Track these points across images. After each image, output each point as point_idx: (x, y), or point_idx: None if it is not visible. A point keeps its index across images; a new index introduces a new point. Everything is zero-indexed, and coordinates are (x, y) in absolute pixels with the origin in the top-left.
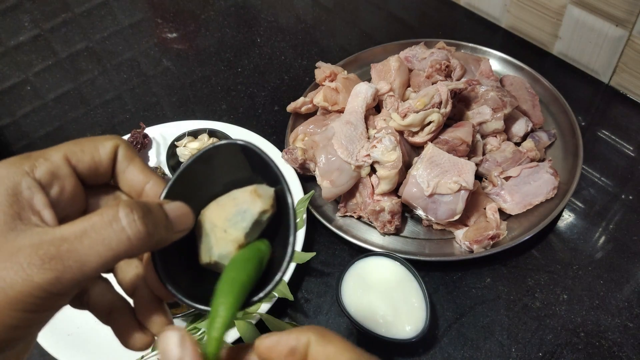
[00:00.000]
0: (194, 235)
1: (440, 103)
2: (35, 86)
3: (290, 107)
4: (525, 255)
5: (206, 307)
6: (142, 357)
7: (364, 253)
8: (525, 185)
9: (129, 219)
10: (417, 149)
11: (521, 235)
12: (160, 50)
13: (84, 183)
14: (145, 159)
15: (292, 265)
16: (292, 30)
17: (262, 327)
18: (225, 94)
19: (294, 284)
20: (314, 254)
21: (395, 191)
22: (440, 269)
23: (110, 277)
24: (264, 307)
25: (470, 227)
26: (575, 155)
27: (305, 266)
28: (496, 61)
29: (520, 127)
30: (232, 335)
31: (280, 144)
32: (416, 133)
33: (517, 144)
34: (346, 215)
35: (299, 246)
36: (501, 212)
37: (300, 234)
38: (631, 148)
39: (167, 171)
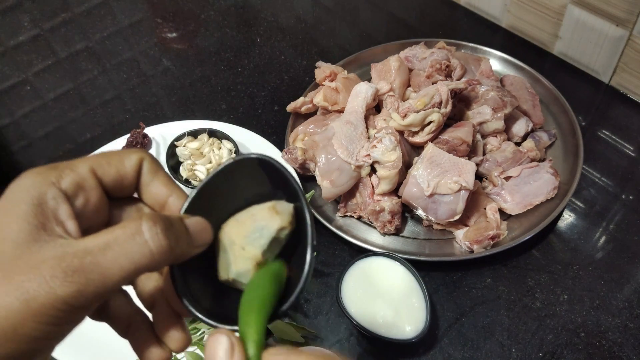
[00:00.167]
0: (213, 251)
1: (441, 103)
2: (35, 86)
3: (290, 107)
4: (526, 256)
5: (223, 324)
6: None
7: (364, 253)
8: (526, 185)
9: (151, 233)
10: (417, 149)
11: (521, 236)
12: (160, 50)
13: (108, 195)
14: None
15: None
16: (292, 30)
17: None
18: (225, 94)
19: None
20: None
21: (395, 191)
22: (441, 269)
23: (129, 290)
24: None
25: (471, 227)
26: (576, 155)
27: None
28: (496, 61)
29: (520, 127)
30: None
31: (280, 144)
32: (416, 133)
33: (518, 144)
34: (346, 215)
35: None
36: (501, 212)
37: None
38: (632, 148)
39: (167, 171)
